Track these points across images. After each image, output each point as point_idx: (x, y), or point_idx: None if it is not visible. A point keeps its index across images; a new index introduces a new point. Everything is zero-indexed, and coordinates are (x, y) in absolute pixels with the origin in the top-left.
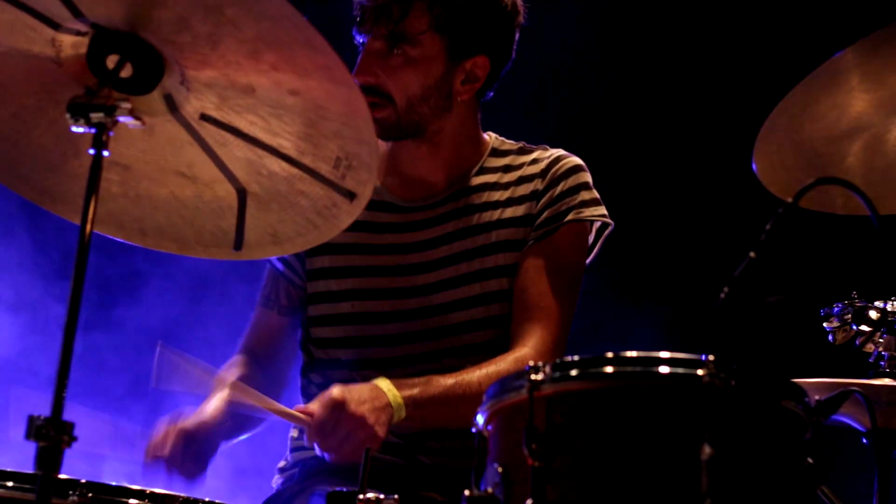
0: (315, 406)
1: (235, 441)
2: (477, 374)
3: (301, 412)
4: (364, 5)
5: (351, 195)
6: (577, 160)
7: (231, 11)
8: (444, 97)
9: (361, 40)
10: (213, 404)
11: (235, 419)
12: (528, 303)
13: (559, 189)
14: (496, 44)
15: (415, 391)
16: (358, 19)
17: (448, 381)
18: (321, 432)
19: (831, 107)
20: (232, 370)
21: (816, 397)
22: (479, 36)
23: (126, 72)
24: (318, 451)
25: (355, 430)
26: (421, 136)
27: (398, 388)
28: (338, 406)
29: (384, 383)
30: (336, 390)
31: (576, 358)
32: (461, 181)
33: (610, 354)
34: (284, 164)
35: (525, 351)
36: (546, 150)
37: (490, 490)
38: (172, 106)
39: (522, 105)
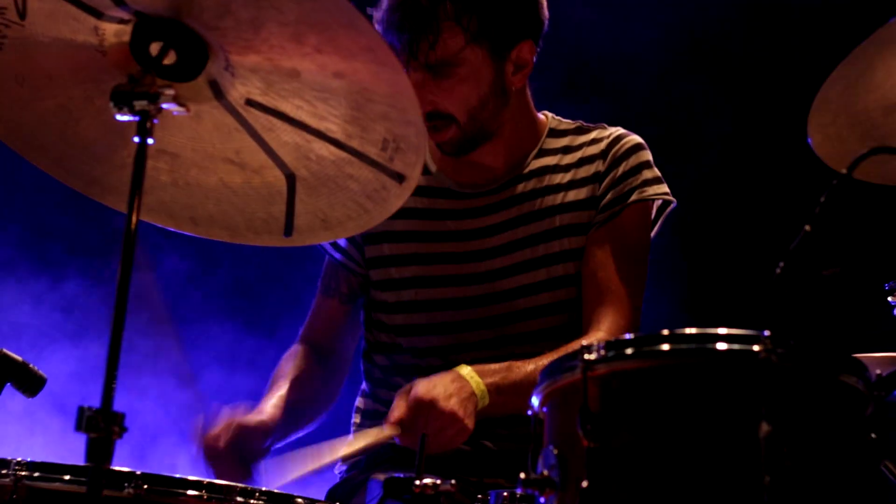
0: (401, 409)
1: (291, 438)
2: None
3: (388, 424)
4: (393, 42)
5: (400, 177)
6: (637, 139)
7: None
8: (500, 95)
9: None
10: (273, 402)
11: (292, 417)
12: (600, 287)
13: (621, 169)
14: (533, 23)
15: (497, 378)
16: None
17: (528, 366)
18: (413, 434)
19: (887, 75)
20: (290, 363)
21: (878, 371)
22: (517, 25)
23: (170, 59)
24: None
25: (446, 426)
26: (489, 140)
27: (480, 375)
28: (425, 406)
29: (465, 370)
30: (421, 388)
31: (630, 336)
32: (520, 165)
33: (665, 332)
34: (332, 148)
35: (601, 335)
36: (605, 129)
37: (546, 472)
38: (218, 92)
39: (573, 84)
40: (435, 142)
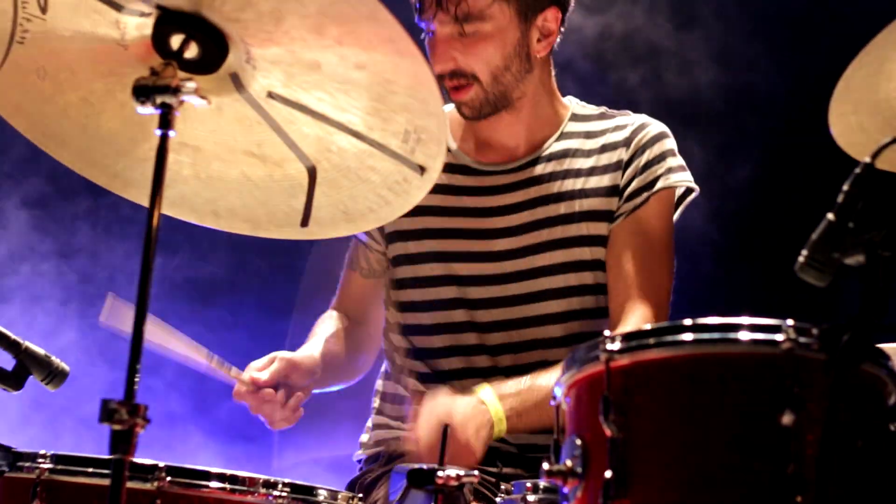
0: (420, 426)
1: (327, 388)
2: None
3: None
4: None
5: (421, 169)
6: (660, 126)
7: None
8: (524, 60)
9: (426, 26)
10: (310, 349)
11: (328, 367)
12: (628, 280)
13: (645, 158)
14: None
15: (516, 402)
16: (419, 6)
17: (551, 380)
18: (427, 452)
19: None
20: (324, 324)
21: None
22: None
23: (191, 52)
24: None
25: (459, 453)
26: (508, 107)
27: (500, 399)
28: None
29: (486, 395)
30: (441, 409)
31: (652, 326)
32: (541, 146)
33: (688, 321)
34: (354, 140)
35: (630, 329)
36: (628, 115)
37: (569, 463)
38: (239, 85)
39: (586, 69)
40: (455, 101)
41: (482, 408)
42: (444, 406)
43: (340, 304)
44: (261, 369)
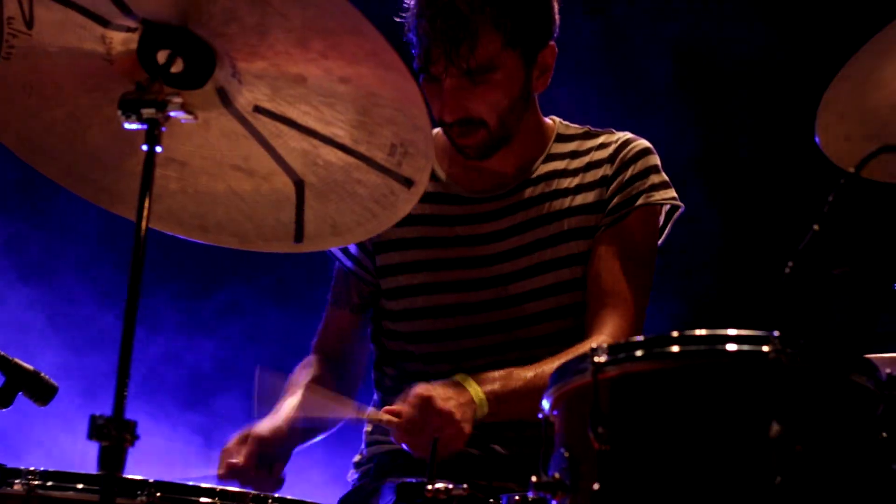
0: (400, 405)
1: (310, 443)
2: (555, 365)
3: (387, 413)
4: (430, 49)
5: (408, 182)
6: (644, 143)
7: (277, 0)
8: (525, 99)
9: (428, 73)
10: (285, 410)
11: (309, 422)
12: (603, 291)
13: (628, 174)
14: (554, 25)
15: (496, 386)
16: (424, 59)
17: (528, 373)
18: (410, 431)
19: (895, 73)
20: (305, 372)
21: (888, 371)
22: (544, 28)
23: (177, 66)
24: (406, 448)
25: (444, 426)
26: (509, 143)
27: (479, 383)
28: (424, 403)
29: (464, 379)
30: (421, 388)
31: (640, 338)
32: (528, 170)
33: (675, 333)
34: (340, 154)
35: (602, 339)
36: (613, 133)
37: (557, 475)
38: (225, 99)
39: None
40: (461, 145)
41: (461, 388)
42: (422, 385)
43: (323, 345)
44: (236, 451)
